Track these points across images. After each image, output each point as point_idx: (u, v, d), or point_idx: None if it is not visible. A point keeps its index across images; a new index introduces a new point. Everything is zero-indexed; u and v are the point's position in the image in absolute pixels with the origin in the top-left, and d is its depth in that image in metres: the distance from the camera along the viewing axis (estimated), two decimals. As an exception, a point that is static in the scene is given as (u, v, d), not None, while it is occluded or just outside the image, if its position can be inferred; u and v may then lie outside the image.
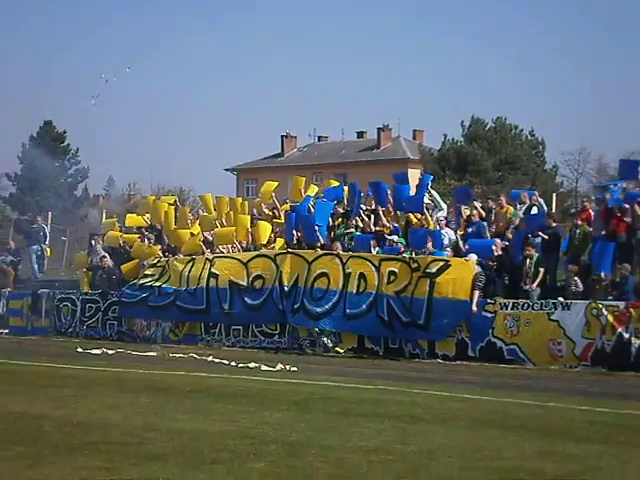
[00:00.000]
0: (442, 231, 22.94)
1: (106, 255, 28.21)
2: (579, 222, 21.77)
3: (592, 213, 22.02)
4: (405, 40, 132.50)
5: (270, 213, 26.86)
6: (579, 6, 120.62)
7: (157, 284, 26.24)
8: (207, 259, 25.67)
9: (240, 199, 28.51)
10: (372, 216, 24.75)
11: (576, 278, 20.99)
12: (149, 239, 28.00)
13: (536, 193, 23.82)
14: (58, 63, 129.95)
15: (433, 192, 25.17)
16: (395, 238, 23.39)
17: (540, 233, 21.82)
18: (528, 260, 21.52)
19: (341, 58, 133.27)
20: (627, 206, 21.11)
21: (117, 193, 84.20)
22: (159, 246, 27.56)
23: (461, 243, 22.44)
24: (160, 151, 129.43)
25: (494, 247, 21.83)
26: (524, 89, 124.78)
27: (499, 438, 10.94)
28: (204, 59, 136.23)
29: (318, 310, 23.42)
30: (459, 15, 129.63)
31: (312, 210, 25.40)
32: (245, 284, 24.79)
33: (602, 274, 20.69)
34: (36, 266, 33.18)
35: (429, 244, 22.66)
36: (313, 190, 27.81)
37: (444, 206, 24.61)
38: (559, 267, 22.25)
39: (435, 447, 10.28)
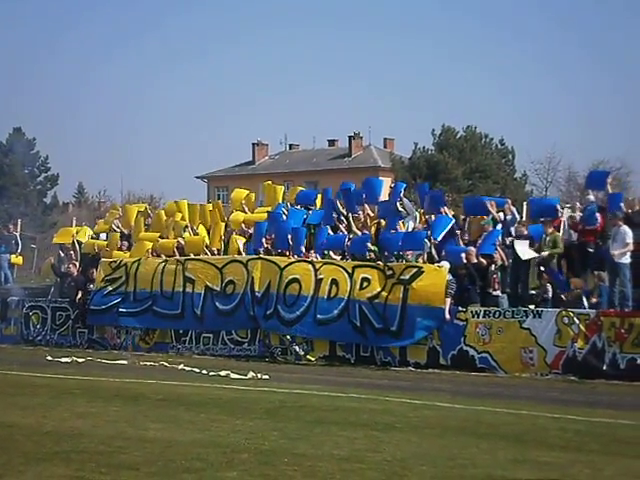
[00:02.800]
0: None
1: (73, 262, 28.00)
2: (550, 230, 21.80)
3: (563, 221, 22.16)
4: (375, 48, 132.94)
5: (245, 228, 26.61)
6: (549, 13, 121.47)
7: (130, 288, 26.08)
8: (179, 261, 25.56)
9: (211, 206, 28.28)
10: (345, 222, 24.73)
11: (548, 285, 21.06)
12: (122, 245, 27.85)
13: (508, 201, 23.83)
14: (27, 69, 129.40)
15: (405, 200, 25.17)
16: (370, 246, 23.29)
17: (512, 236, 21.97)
18: (493, 266, 21.58)
19: (312, 66, 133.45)
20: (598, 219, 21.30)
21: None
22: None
23: (434, 251, 22.50)
24: (131, 158, 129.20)
25: (463, 255, 21.83)
26: (494, 98, 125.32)
27: (472, 446, 10.93)
28: (175, 65, 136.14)
29: (291, 316, 23.37)
30: (429, 24, 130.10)
31: (284, 217, 25.34)
32: (218, 289, 24.72)
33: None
34: (7, 273, 32.90)
35: (408, 253, 22.72)
36: (280, 194, 27.73)
37: (416, 214, 24.61)
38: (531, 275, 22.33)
39: (408, 455, 10.26)
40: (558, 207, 22.87)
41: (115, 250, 27.62)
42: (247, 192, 28.18)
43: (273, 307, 23.65)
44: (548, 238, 21.58)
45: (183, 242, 26.39)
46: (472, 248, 21.95)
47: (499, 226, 22.44)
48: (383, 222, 24.04)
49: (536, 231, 21.91)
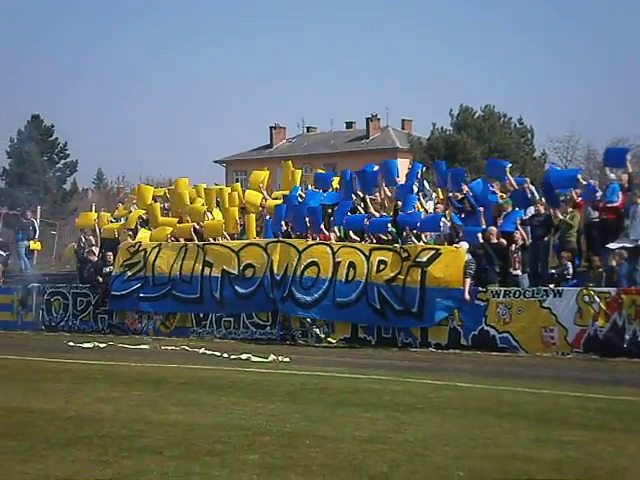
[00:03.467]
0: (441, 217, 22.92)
1: (93, 249, 28.09)
2: (569, 209, 21.72)
3: (582, 202, 22.00)
4: (392, 29, 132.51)
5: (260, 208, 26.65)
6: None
7: (149, 273, 26.16)
8: (198, 246, 25.62)
9: (228, 189, 28.28)
10: (362, 204, 24.72)
11: (568, 263, 20.99)
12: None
13: (527, 180, 23.73)
14: (42, 54, 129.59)
15: (424, 181, 25.12)
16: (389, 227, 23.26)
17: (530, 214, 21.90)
18: (514, 245, 21.53)
19: (329, 48, 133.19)
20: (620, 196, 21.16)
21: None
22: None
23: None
24: (149, 143, 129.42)
25: (480, 235, 21.77)
26: (512, 77, 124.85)
27: (494, 426, 10.92)
28: (192, 50, 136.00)
29: (308, 299, 23.39)
30: (446, 5, 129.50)
31: (301, 200, 25.34)
32: (236, 272, 24.75)
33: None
34: (26, 260, 33.07)
35: (427, 234, 22.75)
36: (298, 177, 27.76)
37: (434, 195, 24.56)
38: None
39: (430, 436, 10.26)
40: (579, 177, 22.60)
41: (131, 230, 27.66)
42: (265, 174, 28.13)
43: (288, 289, 23.66)
44: (568, 217, 21.48)
45: (201, 226, 26.40)
46: (493, 228, 21.88)
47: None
48: (400, 204, 23.99)
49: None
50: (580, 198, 21.99)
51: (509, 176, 23.29)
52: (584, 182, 22.29)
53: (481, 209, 22.46)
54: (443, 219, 22.75)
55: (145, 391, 13.97)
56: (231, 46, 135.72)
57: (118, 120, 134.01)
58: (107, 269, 27.14)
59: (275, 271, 24.06)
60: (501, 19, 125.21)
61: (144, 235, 27.20)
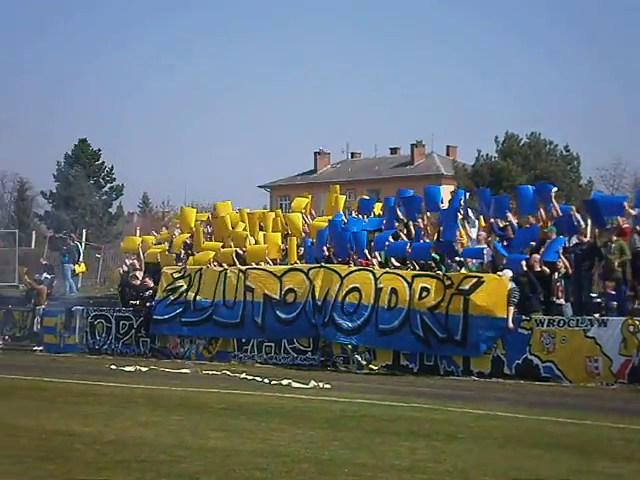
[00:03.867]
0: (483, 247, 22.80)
1: (136, 273, 28.22)
2: (614, 237, 21.49)
3: (629, 228, 21.70)
4: (437, 56, 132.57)
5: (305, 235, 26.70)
6: (617, 18, 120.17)
7: (191, 297, 26.22)
8: (240, 270, 25.65)
9: (272, 214, 28.34)
10: (405, 230, 24.66)
11: (614, 293, 20.75)
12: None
13: (572, 208, 23.48)
14: (91, 79, 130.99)
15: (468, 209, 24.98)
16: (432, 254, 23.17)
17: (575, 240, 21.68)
18: (557, 273, 21.33)
19: (375, 74, 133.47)
20: None
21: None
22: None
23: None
24: (194, 168, 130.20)
25: (524, 263, 21.59)
26: (559, 104, 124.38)
27: (535, 457, 10.78)
28: (238, 76, 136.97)
29: (350, 325, 23.31)
30: (492, 34, 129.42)
31: (343, 226, 25.31)
32: (278, 297, 24.75)
33: None
34: (72, 283, 33.36)
35: (469, 261, 22.63)
36: (341, 203, 27.78)
37: (476, 222, 24.42)
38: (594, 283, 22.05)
39: (470, 466, 10.14)
40: (625, 204, 22.28)
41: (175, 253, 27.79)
42: (307, 201, 28.15)
43: (329, 315, 23.60)
44: (614, 245, 21.25)
45: (243, 251, 26.45)
46: (536, 255, 21.71)
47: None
48: (442, 229, 23.88)
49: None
50: (626, 225, 21.74)
51: (554, 201, 23.05)
52: (631, 210, 21.97)
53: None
54: (485, 250, 22.59)
55: (185, 416, 13.96)
56: (278, 72, 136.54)
57: (164, 145, 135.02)
58: (147, 293, 27.25)
59: (317, 296, 24.03)
60: (547, 49, 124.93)
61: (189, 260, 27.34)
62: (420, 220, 24.73)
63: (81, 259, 33.59)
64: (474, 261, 22.84)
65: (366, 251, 24.15)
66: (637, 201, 22.80)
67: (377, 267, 23.64)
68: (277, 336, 24.75)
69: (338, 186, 29.29)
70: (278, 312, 24.71)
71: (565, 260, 21.39)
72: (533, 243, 22.27)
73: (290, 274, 24.84)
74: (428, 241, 23.81)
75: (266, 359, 24.80)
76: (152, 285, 27.30)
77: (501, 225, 23.33)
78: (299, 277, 24.59)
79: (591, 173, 71.45)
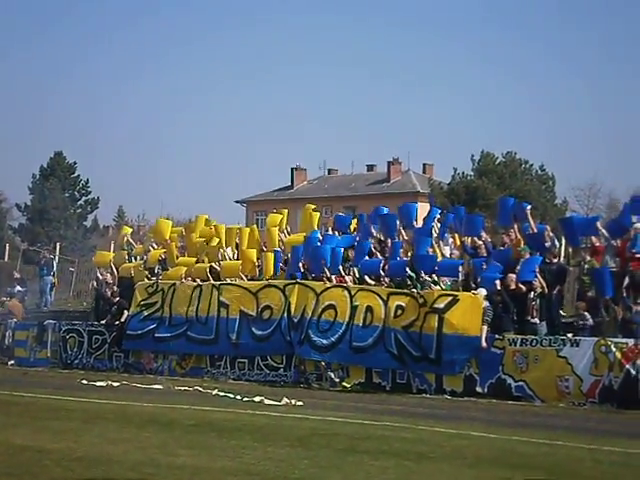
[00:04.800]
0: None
1: (112, 286, 28.05)
2: (587, 257, 21.56)
3: (602, 247, 21.76)
4: (415, 74, 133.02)
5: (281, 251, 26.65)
6: (594, 40, 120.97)
7: (165, 313, 26.10)
8: (214, 286, 25.55)
9: (248, 229, 28.24)
10: (379, 247, 24.69)
11: (585, 313, 20.80)
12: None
13: (547, 228, 23.54)
14: (67, 92, 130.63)
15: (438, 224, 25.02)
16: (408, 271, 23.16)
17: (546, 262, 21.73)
18: (532, 293, 21.35)
19: (351, 91, 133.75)
20: None
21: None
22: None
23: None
24: (171, 183, 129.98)
25: (497, 282, 21.62)
26: (534, 123, 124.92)
27: (505, 477, 10.75)
28: (216, 90, 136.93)
29: (324, 342, 23.26)
30: (469, 48, 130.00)
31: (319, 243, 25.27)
32: (254, 314, 24.66)
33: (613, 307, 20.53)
34: (49, 297, 33.23)
35: (444, 279, 22.66)
36: (316, 220, 27.75)
37: (450, 240, 24.46)
38: (565, 303, 22.14)
39: (440, 486, 10.11)
40: (598, 225, 22.34)
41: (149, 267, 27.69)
42: (282, 217, 28.05)
43: (305, 332, 23.55)
44: (587, 266, 21.31)
45: (218, 267, 26.36)
46: (512, 275, 21.73)
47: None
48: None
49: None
50: (598, 244, 21.82)
51: (530, 219, 23.11)
52: (604, 230, 22.05)
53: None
54: (460, 267, 22.64)
55: (155, 433, 13.85)
56: (254, 87, 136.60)
57: (140, 158, 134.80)
58: (119, 308, 27.12)
59: (292, 313, 23.96)
60: (524, 66, 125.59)
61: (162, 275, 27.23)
62: (399, 236, 24.71)
63: (54, 272, 33.40)
64: (447, 280, 22.84)
65: (340, 268, 24.11)
66: (633, 207, 22.75)
67: (351, 284, 23.61)
68: (251, 353, 24.65)
69: (311, 205, 29.22)
70: (253, 329, 24.63)
71: (541, 279, 21.40)
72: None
73: (265, 290, 24.76)
74: (404, 258, 23.77)
75: (239, 375, 24.70)
76: (124, 301, 27.13)
77: (475, 243, 23.34)
78: (275, 294, 24.51)
79: (566, 193, 71.77)
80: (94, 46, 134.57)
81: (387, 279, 23.42)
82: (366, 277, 23.79)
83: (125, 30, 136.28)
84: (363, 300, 22.95)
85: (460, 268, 22.71)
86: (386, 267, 23.60)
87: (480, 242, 23.36)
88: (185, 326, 25.76)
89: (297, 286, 24.24)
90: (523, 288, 21.42)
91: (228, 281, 25.73)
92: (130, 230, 31.92)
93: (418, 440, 13.73)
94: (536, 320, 21.33)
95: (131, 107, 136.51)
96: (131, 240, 30.68)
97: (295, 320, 23.89)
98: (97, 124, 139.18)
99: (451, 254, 23.78)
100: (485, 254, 22.82)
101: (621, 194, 77.28)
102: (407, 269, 23.11)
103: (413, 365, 22.08)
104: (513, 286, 21.52)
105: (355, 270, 24.19)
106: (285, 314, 24.10)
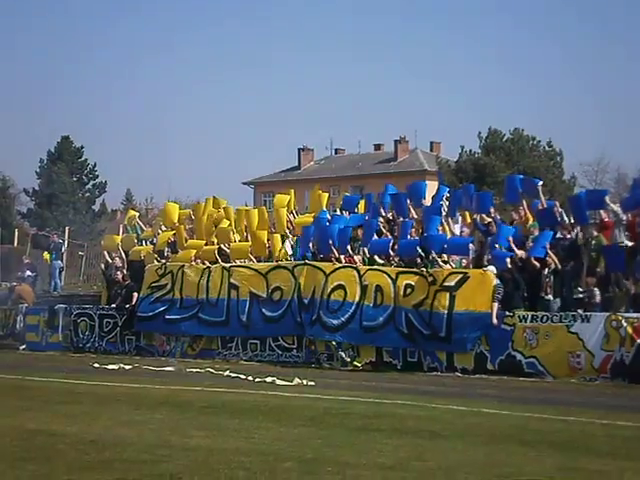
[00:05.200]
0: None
1: (122, 270, 28.09)
2: (595, 233, 21.45)
3: (611, 222, 21.66)
4: (422, 52, 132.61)
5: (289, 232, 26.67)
6: (596, 15, 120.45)
7: (175, 295, 26.13)
8: (224, 268, 25.56)
9: (256, 211, 28.21)
10: (387, 226, 24.67)
11: (595, 289, 20.76)
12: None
13: (556, 203, 23.46)
14: (74, 77, 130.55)
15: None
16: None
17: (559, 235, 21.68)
18: (546, 269, 21.29)
19: (358, 71, 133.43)
20: None
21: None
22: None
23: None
24: (178, 165, 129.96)
25: (508, 259, 21.56)
26: (541, 100, 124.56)
27: (519, 454, 10.74)
28: (222, 72, 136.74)
29: (335, 322, 23.26)
30: (475, 29, 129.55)
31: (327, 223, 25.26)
32: (265, 295, 24.68)
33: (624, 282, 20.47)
34: (58, 281, 33.28)
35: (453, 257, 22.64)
36: (324, 201, 27.72)
37: (460, 218, 24.42)
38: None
39: (453, 464, 10.10)
40: (607, 199, 22.20)
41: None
42: (289, 197, 28.02)
43: (316, 313, 23.56)
44: (594, 242, 21.23)
45: (227, 249, 26.36)
46: (522, 251, 21.67)
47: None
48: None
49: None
50: (608, 219, 21.74)
51: (541, 196, 23.05)
52: (613, 205, 21.95)
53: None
54: (471, 243, 22.62)
55: (168, 414, 13.88)
56: (260, 69, 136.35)
57: (148, 141, 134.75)
58: (130, 291, 27.18)
59: (303, 294, 23.97)
60: (530, 42, 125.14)
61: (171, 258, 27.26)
62: (409, 215, 24.69)
63: (64, 257, 33.48)
64: (456, 258, 22.81)
65: (349, 247, 24.10)
66: (633, 193, 22.64)
67: (360, 264, 23.62)
68: (262, 334, 24.68)
69: (318, 185, 29.18)
70: (264, 310, 24.64)
71: (553, 256, 21.32)
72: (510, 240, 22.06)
73: (275, 272, 24.76)
74: (415, 237, 23.73)
75: (251, 357, 24.73)
76: (134, 284, 27.17)
77: (485, 221, 23.30)
78: (284, 275, 24.52)
79: (574, 169, 71.57)
80: (100, 31, 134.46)
81: (397, 259, 23.40)
82: (376, 257, 23.78)
83: (130, 15, 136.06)
84: (372, 280, 22.93)
85: (471, 245, 22.66)
86: (395, 247, 23.60)
87: (489, 219, 23.31)
88: (196, 308, 25.79)
89: (306, 267, 24.23)
90: (537, 265, 21.34)
91: (238, 263, 25.74)
92: (137, 214, 31.92)
93: (431, 418, 13.73)
94: (550, 297, 21.27)
95: (138, 91, 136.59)
96: (140, 223, 30.71)
97: (305, 301, 23.88)
98: (104, 108, 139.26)
99: (461, 232, 23.73)
100: (495, 231, 22.74)
101: (629, 169, 77.29)
102: (418, 248, 23.08)
103: (424, 344, 22.08)
104: (520, 263, 21.44)
105: (365, 250, 24.18)
106: (295, 295, 24.12)
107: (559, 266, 21.31)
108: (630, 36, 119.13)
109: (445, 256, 22.76)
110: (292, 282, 24.25)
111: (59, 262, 33.50)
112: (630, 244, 20.99)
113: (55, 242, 34.54)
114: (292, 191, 28.70)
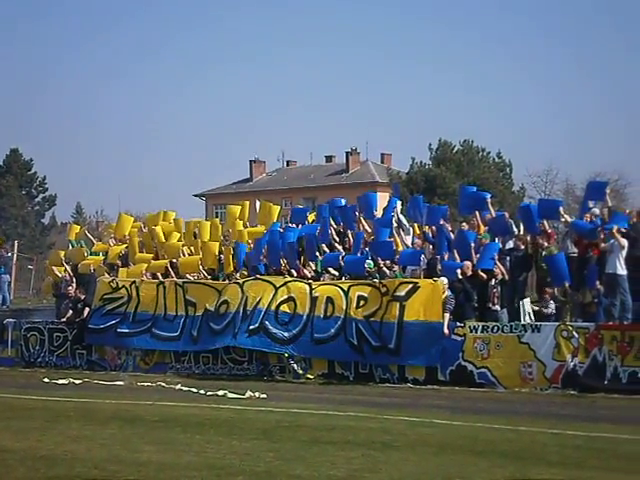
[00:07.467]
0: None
1: (71, 284, 27.83)
2: (545, 243, 21.58)
3: (553, 232, 21.87)
4: (371, 65, 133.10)
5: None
6: (546, 27, 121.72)
7: (129, 309, 25.91)
8: (177, 284, 25.41)
9: (208, 223, 28.08)
10: (338, 239, 24.70)
11: (550, 301, 20.89)
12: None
13: (505, 214, 23.61)
14: (22, 88, 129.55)
15: (401, 216, 25.04)
16: (369, 262, 23.17)
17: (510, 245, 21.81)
18: (493, 280, 21.42)
19: (309, 82, 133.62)
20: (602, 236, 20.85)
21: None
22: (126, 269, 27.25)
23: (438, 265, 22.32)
24: (128, 177, 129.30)
25: (458, 270, 21.65)
26: (491, 111, 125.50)
27: (470, 464, 10.80)
28: (174, 84, 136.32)
29: (286, 335, 23.20)
30: (425, 39, 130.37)
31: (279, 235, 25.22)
32: (213, 309, 24.57)
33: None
34: (7, 295, 32.89)
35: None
36: (275, 213, 27.67)
37: (410, 229, 24.50)
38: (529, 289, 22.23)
39: (405, 475, 10.14)
40: (561, 210, 22.31)
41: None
42: (240, 208, 27.92)
43: (258, 323, 23.45)
44: (545, 252, 21.37)
45: (177, 262, 26.21)
46: (468, 262, 21.76)
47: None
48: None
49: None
50: (550, 230, 21.93)
51: (490, 207, 23.22)
52: (566, 216, 22.11)
53: None
54: (423, 255, 22.70)
55: (118, 429, 13.80)
56: (212, 79, 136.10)
57: (98, 154, 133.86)
58: (79, 305, 26.93)
59: (247, 306, 23.81)
60: (477, 53, 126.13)
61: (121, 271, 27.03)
62: (359, 226, 24.72)
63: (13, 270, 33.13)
64: (408, 268, 22.88)
65: (298, 262, 24.09)
66: (589, 193, 22.77)
67: (310, 276, 23.62)
68: (207, 347, 24.52)
69: (264, 202, 29.02)
70: (211, 324, 24.53)
71: (501, 266, 21.46)
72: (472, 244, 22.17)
73: (227, 287, 24.66)
74: (366, 249, 23.73)
75: (204, 370, 24.58)
76: (84, 297, 26.92)
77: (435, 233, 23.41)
78: (234, 289, 24.41)
79: (523, 180, 72.12)
80: (54, 45, 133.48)
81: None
82: (330, 269, 23.78)
83: (85, 29, 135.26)
84: (323, 292, 22.91)
85: (422, 257, 22.73)
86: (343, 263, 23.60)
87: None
88: (149, 323, 25.57)
89: (256, 281, 24.16)
90: (484, 276, 21.46)
91: (190, 277, 25.62)
92: (83, 227, 31.65)
93: (382, 429, 13.77)
94: (497, 307, 21.41)
95: (87, 103, 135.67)
96: (90, 236, 30.45)
97: (248, 312, 23.74)
98: (53, 120, 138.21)
99: (413, 243, 23.81)
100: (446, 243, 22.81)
101: (578, 180, 78.08)
102: (365, 263, 23.08)
103: (372, 356, 22.07)
104: (469, 272, 21.55)
105: (316, 263, 24.16)
106: (241, 308, 23.98)
107: (506, 277, 21.44)
108: (579, 44, 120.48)
109: (396, 268, 22.80)
110: (239, 295, 24.14)
111: (7, 276, 33.08)
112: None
113: (3, 256, 34.13)
114: (247, 203, 28.60)
